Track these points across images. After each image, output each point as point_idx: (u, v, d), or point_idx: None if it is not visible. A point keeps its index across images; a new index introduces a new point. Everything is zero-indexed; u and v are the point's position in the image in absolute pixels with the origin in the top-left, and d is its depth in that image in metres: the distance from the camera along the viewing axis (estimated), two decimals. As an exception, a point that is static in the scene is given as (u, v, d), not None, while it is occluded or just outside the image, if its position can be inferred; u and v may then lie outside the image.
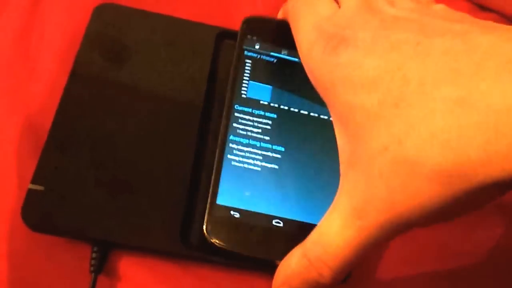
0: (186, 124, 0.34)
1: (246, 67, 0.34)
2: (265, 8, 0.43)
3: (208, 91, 0.36)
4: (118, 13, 0.37)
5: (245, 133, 0.32)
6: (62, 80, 0.34)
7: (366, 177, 0.21)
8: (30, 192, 0.29)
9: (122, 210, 0.30)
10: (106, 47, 0.36)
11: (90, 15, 0.36)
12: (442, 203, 0.19)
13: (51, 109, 0.32)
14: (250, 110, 0.33)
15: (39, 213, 0.29)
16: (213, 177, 0.30)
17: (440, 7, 0.25)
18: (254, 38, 0.35)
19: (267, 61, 0.35)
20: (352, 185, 0.22)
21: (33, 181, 0.30)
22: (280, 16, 0.35)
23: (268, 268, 0.29)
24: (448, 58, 0.20)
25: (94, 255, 0.30)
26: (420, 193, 0.20)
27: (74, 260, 0.30)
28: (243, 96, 0.33)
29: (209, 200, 0.30)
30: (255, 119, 0.33)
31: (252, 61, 0.34)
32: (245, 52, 0.35)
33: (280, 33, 0.35)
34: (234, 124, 0.32)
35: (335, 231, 0.22)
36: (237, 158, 0.31)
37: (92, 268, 0.29)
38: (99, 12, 0.37)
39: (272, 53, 0.35)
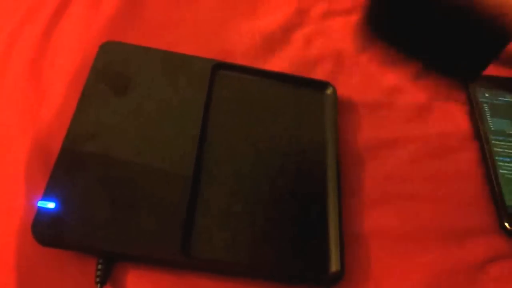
0: (185, 144, 0.36)
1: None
2: (263, 42, 0.46)
3: (204, 116, 0.38)
4: (122, 49, 0.41)
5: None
6: (71, 104, 0.37)
7: None
8: (40, 209, 0.31)
9: (126, 224, 0.32)
10: (111, 78, 0.39)
11: (97, 51, 0.40)
12: None
13: (60, 131, 0.35)
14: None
15: (48, 229, 0.31)
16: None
17: None
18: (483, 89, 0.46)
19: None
20: None
21: (43, 199, 0.32)
22: None
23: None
24: None
25: (99, 266, 0.31)
26: None
27: (81, 273, 0.31)
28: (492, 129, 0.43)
29: None
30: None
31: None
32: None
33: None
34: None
35: None
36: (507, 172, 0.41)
37: (97, 279, 0.31)
38: (104, 48, 0.40)
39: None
